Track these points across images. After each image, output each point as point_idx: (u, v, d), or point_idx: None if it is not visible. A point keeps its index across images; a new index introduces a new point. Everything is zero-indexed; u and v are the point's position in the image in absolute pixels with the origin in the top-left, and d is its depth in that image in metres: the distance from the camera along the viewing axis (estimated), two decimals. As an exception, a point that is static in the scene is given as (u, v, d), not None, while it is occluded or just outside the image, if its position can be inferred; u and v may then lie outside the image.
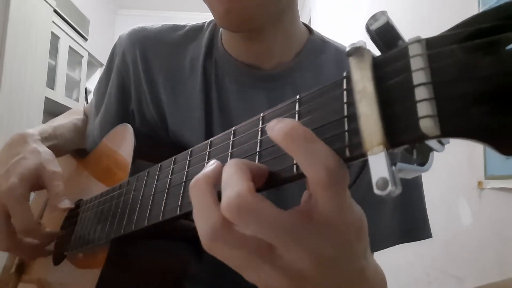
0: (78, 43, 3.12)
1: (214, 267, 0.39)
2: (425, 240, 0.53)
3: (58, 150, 0.60)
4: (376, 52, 0.24)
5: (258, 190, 0.28)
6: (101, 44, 3.70)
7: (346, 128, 0.23)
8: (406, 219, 0.53)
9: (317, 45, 0.57)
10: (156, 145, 0.56)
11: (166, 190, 0.37)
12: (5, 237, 0.50)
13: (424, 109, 0.19)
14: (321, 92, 0.25)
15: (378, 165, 0.20)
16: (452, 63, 0.19)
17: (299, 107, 0.27)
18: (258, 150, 0.28)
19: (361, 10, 2.10)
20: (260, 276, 0.25)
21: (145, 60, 0.59)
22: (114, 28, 4.37)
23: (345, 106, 0.23)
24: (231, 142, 0.31)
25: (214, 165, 0.28)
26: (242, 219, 0.23)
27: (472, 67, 0.18)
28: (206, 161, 0.33)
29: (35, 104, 2.32)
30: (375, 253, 0.54)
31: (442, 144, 0.22)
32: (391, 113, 0.21)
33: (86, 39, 3.31)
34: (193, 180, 0.27)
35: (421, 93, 0.19)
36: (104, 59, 3.39)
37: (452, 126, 0.19)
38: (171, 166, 0.38)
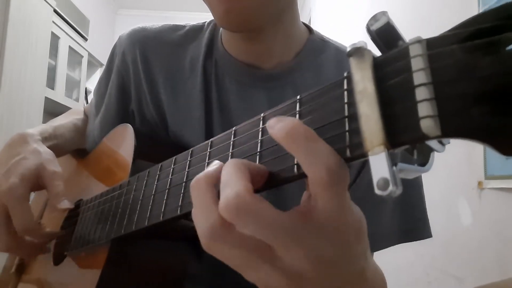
0: (78, 43, 3.12)
1: (214, 267, 0.39)
2: (425, 240, 0.53)
3: (58, 150, 0.60)
4: (377, 53, 0.24)
5: (258, 190, 0.28)
6: (101, 44, 3.70)
7: (347, 128, 0.23)
8: (406, 219, 0.53)
9: (317, 45, 0.57)
10: (156, 145, 0.56)
11: (166, 190, 0.37)
12: (5, 237, 0.50)
13: (424, 109, 0.19)
14: (322, 92, 0.25)
15: (379, 166, 0.20)
16: (453, 63, 0.19)
17: (299, 107, 0.27)
18: (258, 150, 0.28)
19: (361, 10, 2.10)
20: (260, 276, 0.25)
21: (145, 60, 0.59)
22: (114, 28, 4.37)
23: (346, 106, 0.23)
24: (231, 142, 0.31)
25: (216, 166, 0.28)
26: (240, 219, 0.23)
27: (473, 67, 0.18)
28: (206, 161, 0.33)
29: (35, 104, 2.32)
30: (375, 253, 0.55)
31: (443, 144, 0.22)
32: (391, 114, 0.21)
33: (86, 39, 3.31)
34: (194, 180, 0.27)
35: (421, 93, 0.19)
36: (104, 59, 3.39)
37: (453, 126, 0.19)
38: (172, 166, 0.38)
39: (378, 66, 0.22)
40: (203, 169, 0.32)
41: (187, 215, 0.32)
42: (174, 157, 0.38)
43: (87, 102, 3.24)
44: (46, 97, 2.47)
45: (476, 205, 1.01)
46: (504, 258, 0.91)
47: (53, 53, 2.64)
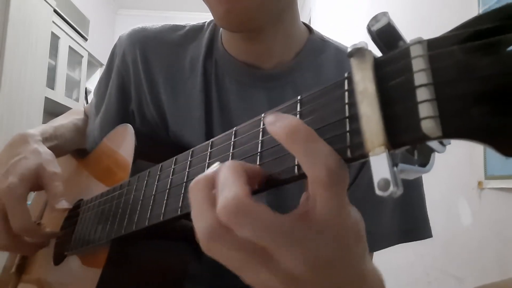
0: (78, 43, 3.12)
1: (214, 267, 0.39)
2: (425, 240, 0.53)
3: (58, 150, 0.60)
4: (377, 53, 0.24)
5: (259, 190, 0.28)
6: (101, 44, 3.70)
7: (348, 128, 0.23)
8: (406, 219, 0.53)
9: (317, 45, 0.57)
10: (156, 145, 0.56)
11: (167, 191, 0.37)
12: (3, 236, 0.50)
13: (425, 110, 0.19)
14: (323, 92, 0.25)
15: (380, 166, 0.20)
16: (453, 64, 0.19)
17: (300, 107, 0.27)
18: (259, 150, 0.28)
19: (361, 10, 2.10)
20: (258, 279, 0.25)
21: (145, 60, 0.59)
22: (114, 28, 4.37)
23: (347, 106, 0.23)
24: (232, 143, 0.31)
25: (215, 168, 0.28)
26: (238, 222, 0.23)
27: (473, 68, 0.18)
28: (207, 161, 0.33)
29: (35, 104, 2.32)
30: (375, 253, 0.55)
31: (443, 145, 0.22)
32: (392, 114, 0.21)
33: (86, 39, 3.31)
34: (192, 182, 0.27)
35: (422, 94, 0.19)
36: (104, 59, 3.39)
37: (454, 127, 0.19)
38: (172, 166, 0.38)
39: (379, 67, 0.22)
40: (204, 170, 0.32)
41: (188, 216, 0.32)
42: (174, 157, 0.38)
43: (87, 102, 3.24)
44: (46, 97, 2.47)
45: (476, 205, 1.01)
46: (504, 258, 0.91)
47: (53, 53, 2.64)
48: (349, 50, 0.23)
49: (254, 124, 0.30)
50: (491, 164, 0.95)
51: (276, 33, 0.53)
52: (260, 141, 0.28)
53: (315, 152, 0.23)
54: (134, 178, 0.44)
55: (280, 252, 0.24)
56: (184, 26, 0.62)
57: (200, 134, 0.54)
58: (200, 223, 0.26)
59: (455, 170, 1.08)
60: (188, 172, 0.35)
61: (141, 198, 0.41)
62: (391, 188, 0.20)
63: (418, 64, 0.20)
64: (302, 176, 0.25)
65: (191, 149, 0.36)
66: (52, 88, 2.68)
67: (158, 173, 0.40)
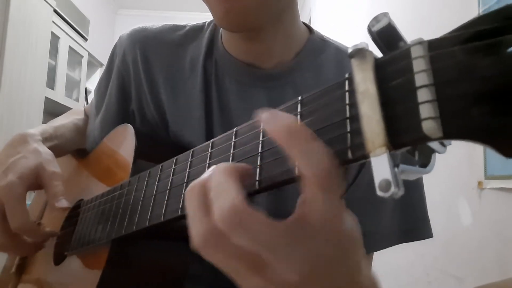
0: (78, 43, 3.12)
1: (214, 267, 0.39)
2: (425, 240, 0.53)
3: (59, 150, 0.60)
4: (377, 53, 0.24)
5: (259, 191, 0.28)
6: (101, 44, 3.70)
7: (348, 129, 0.23)
8: (407, 219, 0.53)
9: (317, 45, 0.57)
10: (156, 145, 0.56)
11: (167, 191, 0.37)
12: (1, 235, 0.50)
13: (426, 111, 0.19)
14: (323, 93, 0.25)
15: (381, 167, 0.20)
16: (454, 64, 0.19)
17: (301, 108, 0.27)
18: (260, 151, 0.28)
19: (361, 10, 2.10)
20: (253, 286, 0.25)
21: (146, 60, 0.59)
22: (114, 28, 4.37)
23: (347, 107, 0.23)
24: (232, 143, 0.31)
25: (210, 172, 0.28)
26: (233, 230, 0.24)
27: (474, 68, 0.18)
28: (207, 162, 0.33)
29: (35, 104, 2.32)
30: (375, 253, 0.55)
31: (444, 145, 0.22)
32: (393, 115, 0.21)
33: (86, 39, 3.31)
34: (188, 187, 0.27)
35: (423, 95, 0.19)
36: (104, 59, 3.39)
37: (454, 128, 0.19)
38: (173, 167, 0.38)
39: (379, 67, 0.22)
40: (204, 170, 0.32)
41: (188, 216, 0.32)
42: (175, 158, 0.38)
43: (87, 102, 3.24)
44: (46, 97, 2.47)
45: (476, 205, 1.01)
46: (504, 258, 0.91)
47: (53, 53, 2.64)
48: (350, 50, 0.23)
49: (255, 124, 0.30)
50: (491, 164, 0.95)
51: (276, 33, 0.53)
52: (260, 142, 0.28)
53: (310, 151, 0.23)
54: (134, 178, 0.44)
55: (275, 260, 0.24)
56: (184, 26, 0.62)
57: (200, 134, 0.54)
58: (195, 230, 0.26)
59: (455, 170, 1.08)
60: (188, 172, 0.35)
61: (141, 198, 0.41)
62: (392, 189, 0.20)
63: (419, 65, 0.20)
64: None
65: (192, 150, 0.36)
66: (52, 88, 2.68)
67: (159, 173, 0.40)
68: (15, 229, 0.48)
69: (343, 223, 0.25)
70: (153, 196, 0.39)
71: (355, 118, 0.23)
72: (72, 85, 3.10)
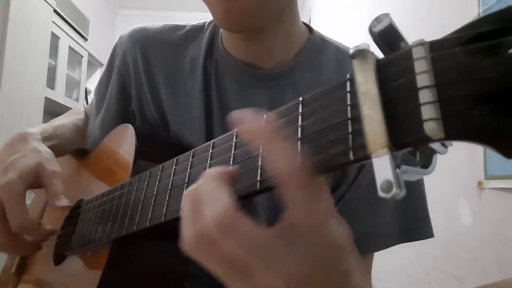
0: (78, 43, 3.12)
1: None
2: (425, 240, 0.53)
3: (59, 150, 0.60)
4: (379, 54, 0.24)
5: (260, 191, 0.28)
6: (101, 44, 3.70)
7: (350, 130, 0.23)
8: (407, 219, 0.53)
9: (317, 45, 0.57)
10: (157, 145, 0.56)
11: (168, 191, 0.37)
12: (1, 234, 0.50)
13: (428, 112, 0.19)
14: (324, 94, 0.25)
15: (382, 168, 0.20)
16: (455, 66, 0.19)
17: (302, 108, 0.27)
18: (261, 151, 0.28)
19: (361, 10, 2.10)
20: None
21: (146, 60, 0.59)
22: (114, 28, 4.37)
23: (349, 108, 0.23)
24: (233, 144, 0.31)
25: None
26: (222, 235, 0.24)
27: (475, 69, 0.19)
28: (208, 162, 0.33)
29: (35, 104, 2.32)
30: (375, 253, 0.55)
31: (445, 146, 0.22)
32: (394, 116, 0.21)
33: (86, 39, 3.31)
34: (184, 192, 0.28)
35: (425, 95, 0.19)
36: (104, 59, 3.39)
37: (456, 129, 0.19)
38: (173, 167, 0.38)
39: (381, 68, 0.22)
40: (205, 170, 0.32)
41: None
42: (175, 158, 0.38)
43: (87, 102, 3.24)
44: (46, 97, 2.47)
45: (476, 205, 1.01)
46: (504, 258, 0.91)
47: (53, 53, 2.64)
48: (351, 51, 0.23)
49: (256, 125, 0.30)
50: (491, 164, 0.95)
51: (276, 33, 0.53)
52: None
53: (280, 152, 0.24)
54: (135, 178, 0.44)
55: (261, 266, 0.24)
56: (184, 26, 0.62)
57: (200, 134, 0.54)
58: (186, 232, 0.27)
59: (455, 170, 1.08)
60: (189, 172, 0.35)
61: (142, 198, 0.41)
62: (394, 189, 0.20)
63: (421, 66, 0.20)
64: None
65: (193, 150, 0.36)
66: (52, 88, 2.68)
67: (159, 173, 0.40)
68: (15, 227, 0.48)
69: (330, 229, 0.25)
70: (153, 197, 0.39)
71: (356, 119, 0.23)
72: (72, 85, 3.10)
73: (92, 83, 3.58)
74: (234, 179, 0.28)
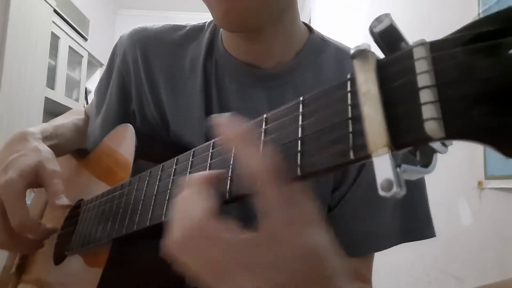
0: (78, 43, 3.12)
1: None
2: (425, 239, 0.53)
3: (59, 149, 0.60)
4: (379, 54, 0.24)
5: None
6: (101, 44, 3.70)
7: (350, 130, 0.23)
8: (407, 219, 0.53)
9: (317, 45, 0.57)
10: (157, 145, 0.56)
11: (168, 191, 0.37)
12: (1, 233, 0.50)
13: (429, 111, 0.19)
14: (325, 93, 0.25)
15: (383, 167, 0.21)
16: (455, 66, 0.19)
17: (302, 108, 0.27)
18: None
19: (361, 10, 2.10)
20: None
21: (146, 60, 0.59)
22: (114, 28, 4.37)
23: (349, 108, 0.23)
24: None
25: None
26: (201, 239, 0.25)
27: (475, 69, 0.19)
28: (208, 162, 0.33)
29: (35, 104, 2.32)
30: (375, 253, 0.55)
31: (445, 146, 0.22)
32: (395, 115, 0.21)
33: (86, 39, 3.31)
34: (180, 195, 0.29)
35: (425, 95, 0.20)
36: (104, 59, 3.39)
37: (456, 128, 0.19)
38: (174, 167, 0.38)
39: (381, 68, 0.22)
40: (205, 170, 0.32)
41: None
42: (176, 158, 0.38)
43: (87, 102, 3.24)
44: (46, 97, 2.47)
45: (476, 205, 1.01)
46: (504, 258, 0.91)
47: (53, 53, 2.64)
48: (352, 51, 0.23)
49: (255, 125, 0.30)
50: (491, 164, 0.95)
51: (276, 33, 0.53)
52: (261, 142, 0.29)
53: (253, 158, 0.25)
54: (135, 178, 0.44)
55: (237, 272, 0.24)
56: (184, 26, 0.62)
57: (200, 134, 0.54)
58: (170, 234, 0.27)
59: (455, 170, 1.08)
60: (189, 172, 0.35)
61: (142, 198, 0.41)
62: (394, 188, 0.20)
63: (421, 66, 0.20)
64: (304, 177, 0.25)
65: (193, 149, 0.36)
66: (52, 88, 2.68)
67: (159, 173, 0.40)
68: (15, 226, 0.48)
69: (309, 233, 0.25)
70: (154, 196, 0.39)
71: (357, 118, 0.23)
72: (72, 85, 3.10)
73: (92, 83, 3.58)
74: (219, 182, 0.28)
